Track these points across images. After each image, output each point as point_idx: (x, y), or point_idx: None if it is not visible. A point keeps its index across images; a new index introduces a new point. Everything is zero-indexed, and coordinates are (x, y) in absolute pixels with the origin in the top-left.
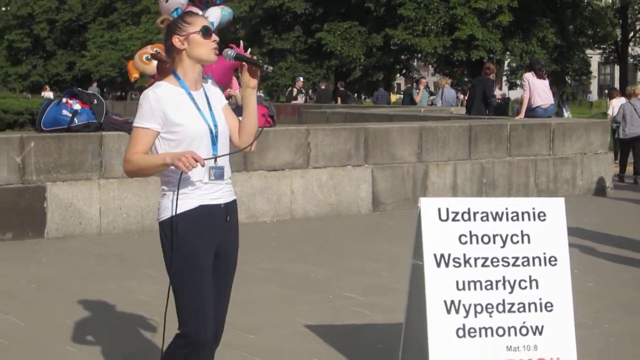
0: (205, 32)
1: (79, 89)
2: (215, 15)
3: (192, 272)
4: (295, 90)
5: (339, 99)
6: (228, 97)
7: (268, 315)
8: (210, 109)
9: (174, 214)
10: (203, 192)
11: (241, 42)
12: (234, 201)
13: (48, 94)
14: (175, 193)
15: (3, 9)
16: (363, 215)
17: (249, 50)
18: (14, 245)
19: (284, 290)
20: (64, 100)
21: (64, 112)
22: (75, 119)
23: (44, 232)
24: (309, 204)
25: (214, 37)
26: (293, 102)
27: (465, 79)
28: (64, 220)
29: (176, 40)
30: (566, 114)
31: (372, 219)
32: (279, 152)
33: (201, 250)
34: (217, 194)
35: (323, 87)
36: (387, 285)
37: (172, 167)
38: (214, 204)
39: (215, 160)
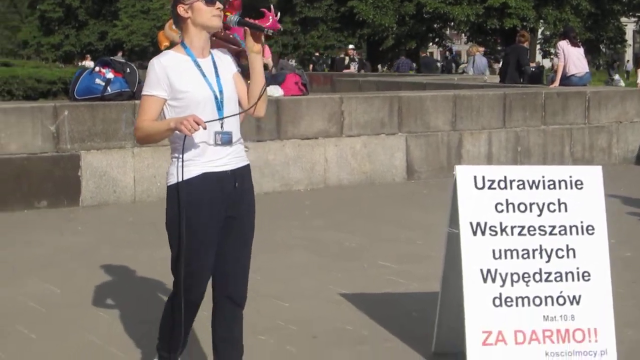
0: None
1: (112, 57)
2: None
3: (192, 239)
4: (347, 58)
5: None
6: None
7: (302, 283)
8: (217, 75)
9: (179, 180)
10: (208, 158)
11: (272, 8)
12: (246, 166)
13: (89, 63)
14: (181, 160)
15: None
16: (397, 183)
17: (278, 15)
18: (49, 213)
19: (318, 258)
20: (97, 69)
21: (97, 80)
22: (109, 88)
23: (78, 200)
24: (343, 173)
25: (218, 4)
26: (345, 70)
27: (499, 48)
28: (99, 188)
29: (181, 9)
30: (616, 77)
31: (406, 187)
32: (312, 120)
33: (204, 218)
34: (224, 160)
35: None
36: (422, 253)
37: (178, 133)
38: (220, 171)
39: (222, 126)
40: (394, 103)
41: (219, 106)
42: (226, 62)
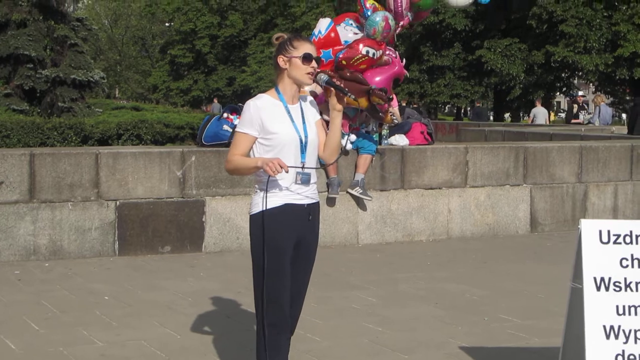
0: (306, 58)
1: (240, 104)
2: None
3: (276, 261)
4: (575, 106)
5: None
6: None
7: (423, 335)
8: (304, 122)
9: (264, 209)
10: (290, 192)
11: (397, 54)
12: (317, 203)
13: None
14: (265, 191)
15: (167, 24)
16: (520, 235)
17: (404, 61)
18: (172, 258)
19: (439, 310)
20: (225, 115)
21: (225, 127)
22: None
23: (201, 246)
24: (466, 224)
25: (313, 63)
26: (574, 120)
27: (627, 98)
28: (222, 234)
29: (280, 60)
30: None
31: (530, 239)
32: (436, 170)
33: (283, 243)
34: (302, 195)
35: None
36: (545, 308)
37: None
38: (298, 204)
39: (303, 167)
40: (519, 154)
41: (303, 149)
42: (312, 110)
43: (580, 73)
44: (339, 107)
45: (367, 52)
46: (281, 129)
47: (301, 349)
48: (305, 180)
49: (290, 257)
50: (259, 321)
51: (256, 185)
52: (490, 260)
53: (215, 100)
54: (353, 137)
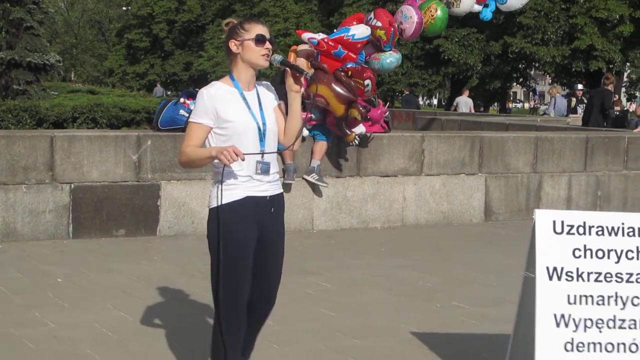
0: (258, 39)
1: (197, 89)
2: (360, 31)
3: (233, 257)
4: (574, 100)
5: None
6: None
7: (376, 321)
8: (261, 108)
9: (219, 203)
10: (250, 184)
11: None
12: (280, 194)
13: (158, 89)
14: (225, 183)
15: (124, 8)
16: (475, 224)
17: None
18: (127, 241)
19: (392, 296)
20: (182, 100)
21: (181, 111)
22: None
23: (156, 230)
24: (421, 211)
25: (267, 44)
26: (572, 115)
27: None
28: (177, 218)
29: (232, 44)
30: None
31: (484, 228)
32: (392, 158)
33: (243, 238)
34: (264, 186)
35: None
36: (497, 295)
37: (218, 160)
38: (260, 196)
39: (262, 156)
40: (475, 143)
41: (261, 137)
42: (269, 96)
43: (537, 64)
44: (296, 87)
45: (368, 85)
46: (237, 117)
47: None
48: (265, 169)
49: (255, 252)
50: (216, 315)
51: (213, 178)
52: (444, 248)
53: (158, 85)
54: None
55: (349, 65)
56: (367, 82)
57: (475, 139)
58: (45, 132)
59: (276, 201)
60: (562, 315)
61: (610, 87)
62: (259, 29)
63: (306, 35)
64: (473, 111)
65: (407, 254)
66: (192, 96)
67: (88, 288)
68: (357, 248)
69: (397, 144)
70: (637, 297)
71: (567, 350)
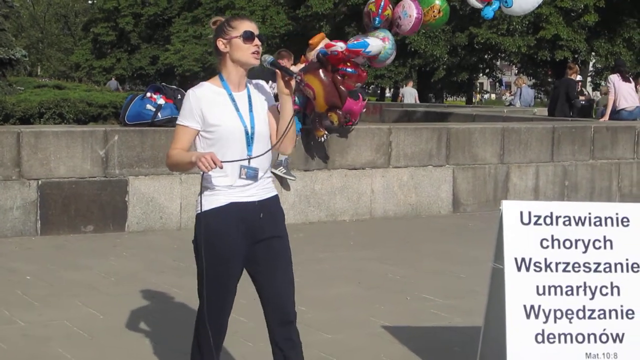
0: (246, 37)
1: (164, 83)
2: (377, 47)
3: (216, 267)
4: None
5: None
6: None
7: (345, 315)
8: (251, 111)
9: (200, 209)
10: (235, 189)
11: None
12: (273, 198)
13: (112, 82)
14: (209, 189)
15: (89, 2)
16: (443, 216)
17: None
18: (95, 237)
19: (362, 290)
20: (148, 94)
21: (148, 106)
22: (159, 114)
23: (124, 226)
24: (389, 204)
25: (256, 41)
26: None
27: (549, 80)
28: (145, 214)
29: (220, 43)
30: None
31: (452, 220)
32: (360, 150)
33: (227, 247)
34: (251, 191)
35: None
36: (467, 287)
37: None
38: (247, 202)
39: (249, 161)
40: (442, 135)
41: (249, 141)
42: (262, 97)
43: (503, 55)
44: (287, 90)
45: (357, 85)
46: (223, 120)
47: (228, 329)
48: (251, 175)
49: (253, 261)
50: (197, 322)
51: (201, 184)
52: (413, 240)
53: (113, 79)
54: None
55: (348, 71)
56: (358, 84)
57: (442, 130)
58: (11, 127)
59: (267, 206)
60: (532, 307)
61: (574, 76)
62: (247, 25)
63: (330, 48)
64: (418, 101)
65: (376, 246)
66: (159, 90)
67: (57, 285)
68: (326, 241)
69: (364, 136)
70: (605, 287)
71: (538, 342)
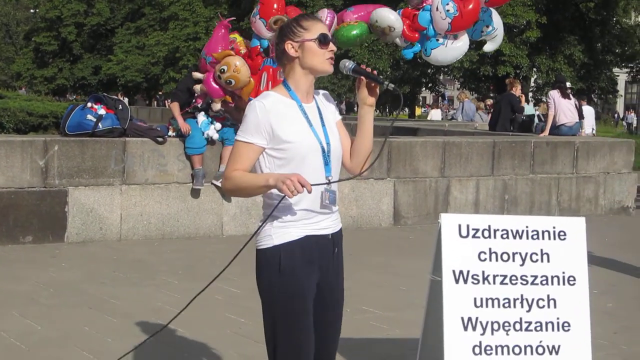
0: (323, 40)
1: (105, 94)
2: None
3: (295, 313)
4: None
5: None
6: None
7: None
8: (323, 124)
9: (270, 244)
10: (310, 220)
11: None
12: (341, 230)
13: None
14: (279, 219)
15: (31, 11)
16: (384, 228)
17: None
18: (34, 248)
19: None
20: (89, 104)
21: (89, 116)
22: (100, 124)
23: (64, 237)
24: None
25: (331, 46)
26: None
27: (491, 95)
28: (85, 225)
29: (289, 47)
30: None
31: (393, 232)
32: None
33: (306, 289)
34: (325, 222)
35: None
36: (406, 300)
37: (276, 191)
38: (321, 235)
39: (329, 184)
40: (383, 147)
41: (326, 160)
42: (330, 108)
43: (446, 69)
44: (371, 100)
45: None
46: (298, 136)
47: (164, 341)
48: (333, 199)
49: (313, 301)
50: None
51: (266, 211)
52: (354, 253)
53: (23, 88)
54: (218, 125)
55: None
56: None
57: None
58: None
59: (338, 240)
60: (470, 319)
61: (514, 91)
62: (320, 27)
63: None
64: None
65: None
66: (100, 101)
67: None
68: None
69: None
70: (542, 300)
71: (475, 354)
